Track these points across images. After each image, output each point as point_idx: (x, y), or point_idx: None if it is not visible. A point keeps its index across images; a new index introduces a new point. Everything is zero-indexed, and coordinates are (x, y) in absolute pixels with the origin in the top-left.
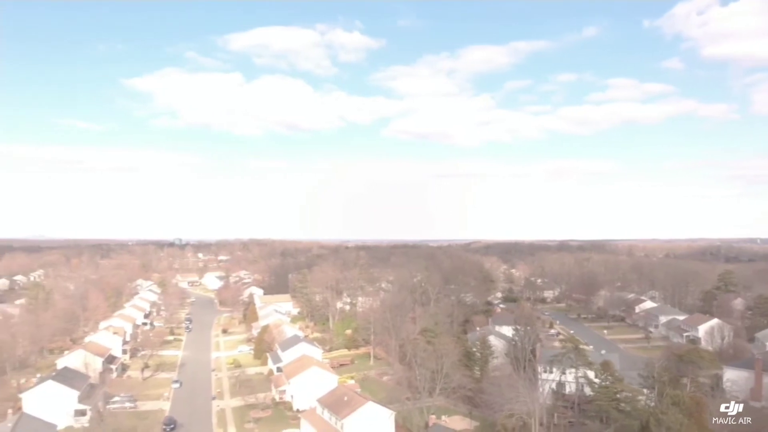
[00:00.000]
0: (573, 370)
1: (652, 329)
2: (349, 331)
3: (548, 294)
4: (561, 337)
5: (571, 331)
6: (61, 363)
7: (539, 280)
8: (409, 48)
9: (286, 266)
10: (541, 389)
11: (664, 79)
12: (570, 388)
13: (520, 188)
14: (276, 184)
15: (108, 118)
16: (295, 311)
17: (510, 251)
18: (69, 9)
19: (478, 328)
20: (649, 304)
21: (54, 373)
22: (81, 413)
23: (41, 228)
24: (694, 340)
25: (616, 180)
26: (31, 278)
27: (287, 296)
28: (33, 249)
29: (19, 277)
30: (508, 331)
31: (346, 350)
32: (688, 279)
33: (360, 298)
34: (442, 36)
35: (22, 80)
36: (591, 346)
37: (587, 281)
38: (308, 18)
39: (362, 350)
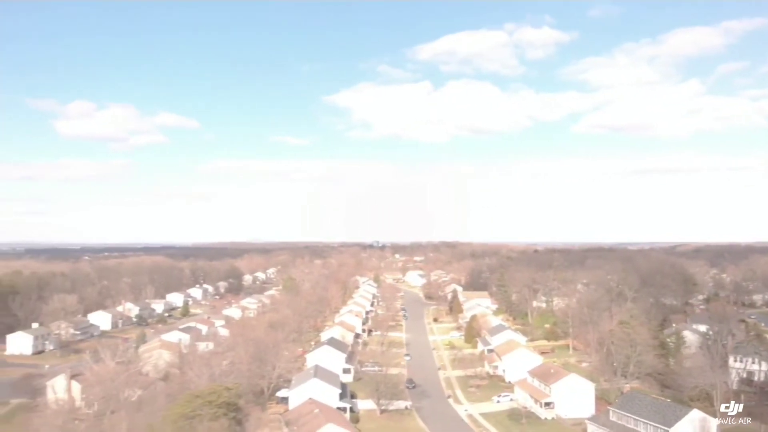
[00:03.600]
0: (759, 358)
1: None
2: (548, 325)
3: (757, 298)
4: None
5: None
6: (326, 335)
7: (750, 285)
8: (603, 38)
9: (479, 267)
10: (728, 374)
11: None
12: (759, 377)
13: (737, 183)
14: (462, 188)
15: (312, 133)
16: (493, 306)
17: (722, 254)
18: (273, 36)
19: (674, 325)
20: None
21: (327, 341)
22: (346, 371)
23: (257, 232)
24: None
25: None
26: (268, 275)
27: (485, 293)
28: (261, 250)
29: (258, 274)
30: (704, 328)
31: (545, 341)
32: None
33: (555, 299)
34: (642, 21)
35: (248, 105)
36: None
37: None
38: (496, 19)
39: (561, 342)
